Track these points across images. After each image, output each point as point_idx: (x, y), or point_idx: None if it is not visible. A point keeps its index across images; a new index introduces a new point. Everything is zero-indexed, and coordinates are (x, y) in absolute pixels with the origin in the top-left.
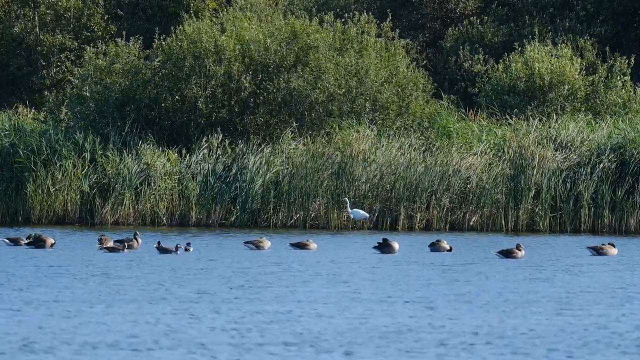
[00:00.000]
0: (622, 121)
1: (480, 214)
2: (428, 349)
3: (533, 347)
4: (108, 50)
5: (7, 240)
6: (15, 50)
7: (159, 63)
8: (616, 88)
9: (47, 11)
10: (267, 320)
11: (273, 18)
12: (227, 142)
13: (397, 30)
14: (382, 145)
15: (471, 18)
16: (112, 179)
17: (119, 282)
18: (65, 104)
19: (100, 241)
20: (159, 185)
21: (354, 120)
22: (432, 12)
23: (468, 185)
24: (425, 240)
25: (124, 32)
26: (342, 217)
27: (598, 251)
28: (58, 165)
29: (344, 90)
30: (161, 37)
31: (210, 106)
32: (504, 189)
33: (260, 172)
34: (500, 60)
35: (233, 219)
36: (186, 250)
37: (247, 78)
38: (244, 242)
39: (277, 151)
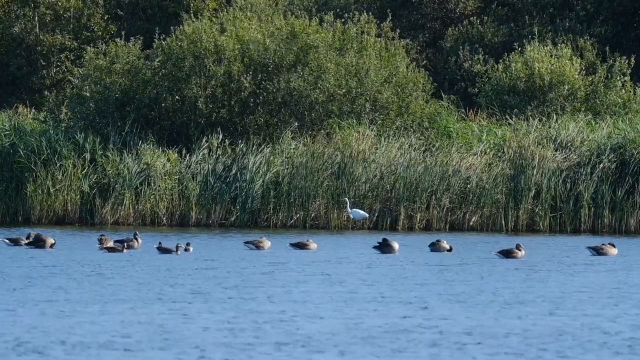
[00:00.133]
0: (622, 121)
1: (480, 214)
2: (421, 349)
3: (527, 347)
4: (108, 50)
5: (7, 241)
6: (15, 50)
7: (159, 63)
8: (616, 88)
9: (47, 11)
10: (261, 320)
11: (273, 18)
12: (227, 142)
13: (397, 30)
14: (382, 145)
15: (471, 18)
16: (112, 179)
17: (115, 282)
18: (65, 104)
19: (100, 241)
20: (159, 185)
21: (354, 120)
22: (432, 12)
23: (468, 185)
24: (425, 240)
25: (123, 32)
26: (342, 217)
27: (598, 251)
28: (58, 165)
29: (344, 90)
30: (161, 37)
31: (210, 106)
32: (504, 189)
33: (260, 172)
34: (500, 60)
35: (233, 219)
36: (186, 250)
37: (247, 78)
38: (244, 242)
39: (277, 151)
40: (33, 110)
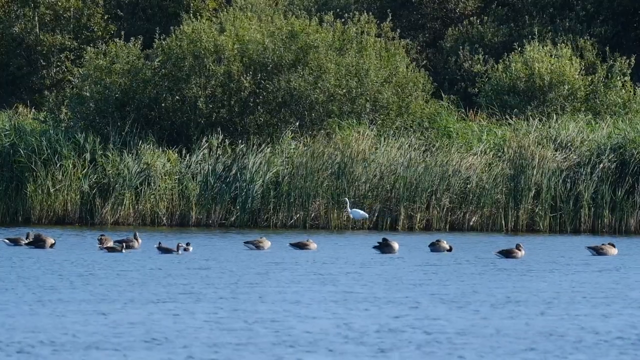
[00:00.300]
0: (622, 121)
1: (480, 214)
2: (412, 349)
3: (520, 347)
4: (108, 50)
5: (7, 241)
6: (15, 50)
7: (158, 63)
8: (616, 88)
9: (47, 11)
10: (252, 320)
11: (273, 18)
12: (227, 142)
13: (397, 30)
14: (382, 146)
15: (471, 18)
16: (112, 179)
17: (110, 282)
18: (65, 104)
19: (100, 241)
20: (159, 185)
21: (354, 121)
22: (432, 12)
23: (468, 185)
24: (425, 240)
25: (123, 32)
26: (342, 217)
27: (598, 251)
28: (58, 165)
29: (344, 90)
30: (161, 37)
31: (210, 106)
32: (504, 189)
33: (260, 172)
34: (500, 60)
35: (233, 219)
36: (186, 250)
37: (247, 78)
38: (244, 242)
39: (277, 151)
40: (33, 110)
